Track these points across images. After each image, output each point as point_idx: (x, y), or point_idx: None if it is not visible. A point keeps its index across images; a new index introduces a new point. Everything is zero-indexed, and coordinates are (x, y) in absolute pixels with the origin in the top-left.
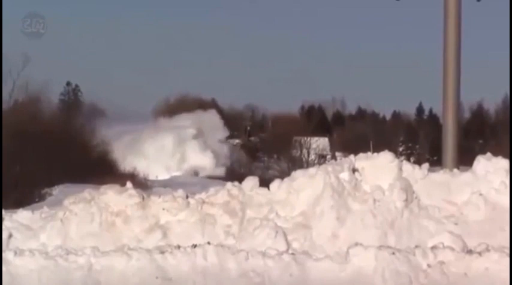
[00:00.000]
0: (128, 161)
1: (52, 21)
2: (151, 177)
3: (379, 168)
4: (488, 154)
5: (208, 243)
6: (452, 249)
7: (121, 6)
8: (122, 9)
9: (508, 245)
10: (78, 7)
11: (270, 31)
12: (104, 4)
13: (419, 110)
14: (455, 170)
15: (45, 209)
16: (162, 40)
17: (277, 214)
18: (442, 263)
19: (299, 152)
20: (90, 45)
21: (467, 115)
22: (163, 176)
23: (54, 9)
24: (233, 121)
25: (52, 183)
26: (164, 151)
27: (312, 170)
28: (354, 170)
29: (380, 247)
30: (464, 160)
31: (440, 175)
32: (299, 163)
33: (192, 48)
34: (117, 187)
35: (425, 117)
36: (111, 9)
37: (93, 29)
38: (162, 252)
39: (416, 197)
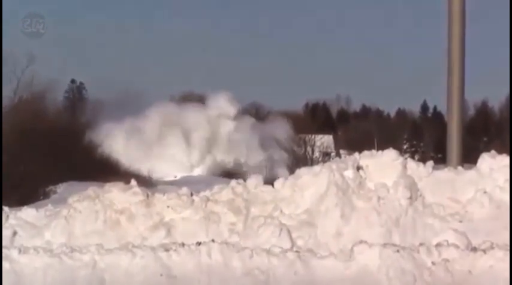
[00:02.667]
0: (138, 160)
1: (56, 19)
2: (168, 177)
3: (384, 166)
4: (493, 152)
5: (213, 241)
6: (456, 247)
7: (124, 4)
8: (125, 8)
9: None
10: (82, 5)
11: (274, 29)
12: (107, 3)
13: (424, 108)
14: (459, 168)
15: (50, 207)
16: (166, 38)
17: (281, 211)
18: (446, 260)
19: (303, 149)
20: (94, 42)
21: (471, 112)
22: (177, 175)
23: (58, 7)
24: None
25: (56, 181)
26: (179, 148)
27: (316, 168)
28: (358, 168)
29: (384, 245)
30: (469, 157)
31: (445, 173)
32: (303, 161)
33: (196, 46)
34: (121, 184)
35: (429, 115)
36: (114, 7)
37: (97, 27)
38: (167, 250)
39: (420, 195)
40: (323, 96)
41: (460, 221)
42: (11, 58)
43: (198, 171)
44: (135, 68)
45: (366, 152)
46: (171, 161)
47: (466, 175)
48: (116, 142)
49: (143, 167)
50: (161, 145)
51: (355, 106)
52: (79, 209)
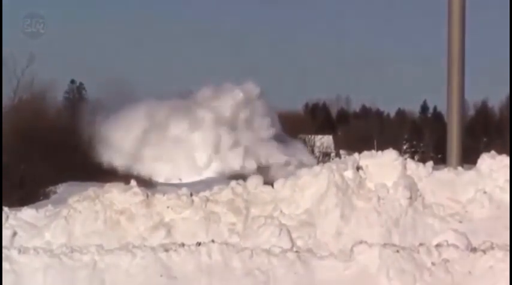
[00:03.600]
0: (139, 161)
1: (56, 19)
2: (172, 180)
3: (384, 166)
4: (493, 152)
5: (213, 241)
6: (456, 247)
7: (126, 4)
8: (126, 7)
9: None
10: (82, 4)
11: (275, 29)
12: (108, 2)
13: (424, 108)
14: (459, 168)
15: (50, 207)
16: (166, 38)
17: (281, 211)
18: (446, 261)
19: None
20: (94, 42)
21: (471, 112)
22: (186, 178)
23: (58, 7)
24: None
25: (56, 181)
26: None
27: (316, 168)
28: (358, 168)
29: (384, 245)
30: (469, 158)
31: (445, 173)
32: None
33: (197, 46)
34: (121, 185)
35: (429, 115)
36: (115, 6)
37: (97, 27)
38: (167, 250)
39: (420, 195)
40: (323, 96)
41: (460, 222)
42: (11, 58)
43: (207, 174)
44: (136, 68)
45: (365, 153)
46: (176, 162)
47: (466, 175)
48: (116, 142)
49: (146, 169)
50: (165, 145)
51: (355, 106)
52: (79, 210)
